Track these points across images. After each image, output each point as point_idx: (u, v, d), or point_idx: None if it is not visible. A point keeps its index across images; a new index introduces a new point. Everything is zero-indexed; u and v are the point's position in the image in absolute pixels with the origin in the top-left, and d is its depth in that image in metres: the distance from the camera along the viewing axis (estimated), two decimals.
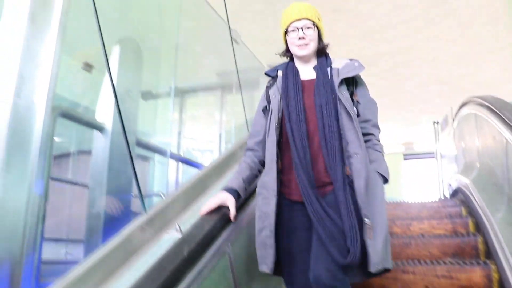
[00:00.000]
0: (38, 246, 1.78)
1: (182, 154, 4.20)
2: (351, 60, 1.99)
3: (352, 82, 1.95)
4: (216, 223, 1.75)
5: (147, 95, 3.86)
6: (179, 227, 1.73)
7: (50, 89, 1.68)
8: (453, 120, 5.58)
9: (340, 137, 1.79)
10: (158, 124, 4.58)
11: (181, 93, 4.28)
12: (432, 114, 11.06)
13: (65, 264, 3.91)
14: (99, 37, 1.85)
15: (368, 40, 8.16)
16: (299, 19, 1.90)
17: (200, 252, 1.66)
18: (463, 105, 4.62)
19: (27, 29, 1.62)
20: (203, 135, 6.04)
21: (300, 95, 1.88)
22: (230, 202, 1.85)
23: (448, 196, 6.09)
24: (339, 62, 1.97)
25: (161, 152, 3.88)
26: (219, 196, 1.86)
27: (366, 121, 1.95)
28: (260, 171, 2.01)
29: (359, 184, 1.74)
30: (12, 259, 1.56)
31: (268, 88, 2.06)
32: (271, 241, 1.79)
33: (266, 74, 2.11)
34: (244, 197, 1.99)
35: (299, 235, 1.82)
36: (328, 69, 1.93)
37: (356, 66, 1.94)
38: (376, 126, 2.00)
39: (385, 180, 1.90)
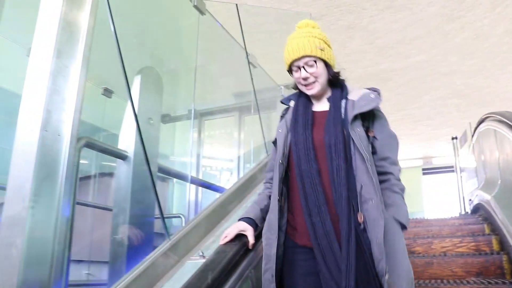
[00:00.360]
0: (66, 269, 1.82)
1: (201, 175, 4.24)
2: (368, 90, 1.78)
3: (368, 116, 1.72)
4: (239, 249, 1.77)
5: (166, 118, 3.93)
6: (202, 253, 1.75)
7: (75, 121, 1.75)
8: (472, 135, 5.52)
9: (349, 182, 1.58)
10: (177, 146, 4.65)
11: (200, 115, 4.34)
12: (451, 127, 10.97)
13: (88, 286, 3.95)
14: (121, 69, 1.90)
15: (383, 56, 8.17)
16: (299, 58, 1.72)
17: (224, 277, 1.68)
18: (481, 121, 4.59)
19: (53, 65, 1.69)
20: (222, 156, 6.09)
21: (309, 131, 1.70)
22: (249, 231, 1.78)
23: (469, 211, 6.00)
24: (356, 93, 1.77)
25: (182, 177, 3.92)
26: (237, 226, 1.79)
27: (384, 158, 1.73)
28: None
29: (375, 235, 1.52)
30: (41, 282, 1.60)
31: (281, 118, 1.91)
32: (272, 286, 1.65)
33: (282, 102, 1.98)
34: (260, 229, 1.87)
35: (307, 280, 1.65)
36: (343, 102, 1.73)
37: (373, 98, 1.71)
38: (396, 164, 1.76)
39: (403, 227, 1.65)
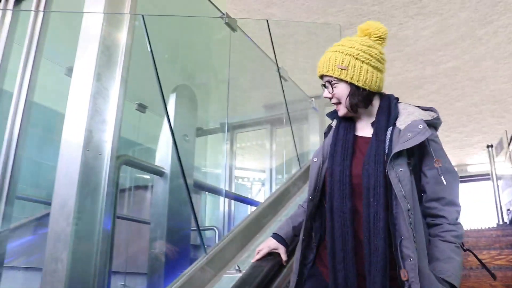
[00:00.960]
0: (107, 281, 1.89)
1: (234, 188, 4.30)
2: (422, 111, 1.50)
3: (415, 149, 1.42)
4: (274, 264, 1.79)
5: (199, 132, 4.01)
6: (239, 267, 1.79)
7: (114, 140, 1.82)
8: (509, 143, 5.39)
9: (388, 234, 1.33)
10: (209, 159, 4.73)
11: (232, 128, 4.42)
12: (486, 134, 10.70)
13: None
14: (158, 88, 1.98)
15: (413, 63, 8.09)
16: (320, 76, 1.54)
17: None
18: None
19: (94, 87, 1.78)
20: (254, 168, 6.14)
21: (348, 162, 1.45)
22: (281, 250, 1.65)
23: (507, 221, 5.83)
24: (405, 118, 1.47)
25: (216, 191, 3.99)
26: (268, 245, 1.66)
27: (436, 199, 1.44)
28: None
29: None
30: None
31: (325, 136, 1.68)
32: None
33: (327, 116, 1.72)
34: (292, 246, 1.75)
35: None
36: (389, 131, 1.45)
37: (420, 130, 1.40)
38: (452, 204, 1.44)
39: (452, 287, 1.35)
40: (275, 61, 3.50)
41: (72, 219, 1.66)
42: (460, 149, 12.40)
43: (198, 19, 3.07)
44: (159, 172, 2.30)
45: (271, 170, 4.71)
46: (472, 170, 13.86)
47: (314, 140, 4.75)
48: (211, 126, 4.46)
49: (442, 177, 1.42)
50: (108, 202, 1.81)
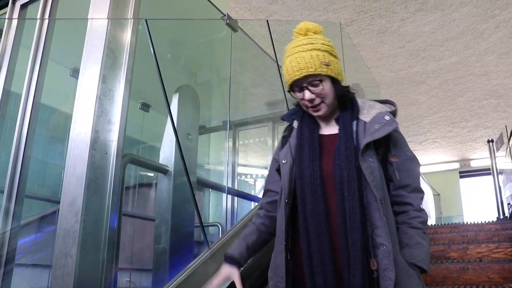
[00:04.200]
0: (114, 276, 1.95)
1: (236, 184, 4.37)
2: (382, 105, 1.55)
3: (382, 140, 1.46)
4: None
5: (201, 130, 4.07)
6: None
7: (120, 140, 1.89)
8: (509, 138, 5.43)
9: (363, 226, 1.35)
10: (212, 157, 4.79)
11: (234, 126, 4.48)
12: (488, 129, 10.73)
13: None
14: (162, 89, 2.04)
15: (415, 59, 8.12)
16: (300, 78, 1.44)
17: (261, 285, 1.78)
18: None
19: (100, 89, 1.85)
20: (256, 165, 6.22)
21: (317, 162, 1.44)
22: (235, 276, 1.53)
23: (508, 215, 5.88)
24: (368, 111, 1.51)
25: (219, 188, 4.06)
26: (222, 273, 1.55)
27: (402, 187, 1.48)
28: (273, 235, 1.58)
29: (385, 286, 1.30)
30: None
31: (283, 140, 1.63)
32: None
33: (282, 119, 1.69)
34: (245, 265, 1.65)
35: None
36: (354, 124, 1.48)
37: (388, 121, 1.45)
38: (417, 191, 1.50)
39: (422, 270, 1.42)
40: (275, 59, 3.56)
41: (80, 216, 1.73)
42: (462, 144, 12.44)
43: (200, 22, 3.14)
44: (163, 170, 2.37)
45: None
46: (474, 165, 13.89)
47: None
48: (214, 124, 4.53)
49: (407, 165, 1.49)
50: (114, 200, 1.87)
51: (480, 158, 13.39)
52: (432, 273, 3.01)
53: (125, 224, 4.10)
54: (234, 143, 4.46)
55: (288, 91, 1.54)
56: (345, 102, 1.53)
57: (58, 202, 3.36)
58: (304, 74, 1.42)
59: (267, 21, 3.73)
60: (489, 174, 7.28)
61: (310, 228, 1.38)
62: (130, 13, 2.06)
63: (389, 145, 1.49)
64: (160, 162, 2.43)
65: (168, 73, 2.50)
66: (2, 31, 2.71)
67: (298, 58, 1.44)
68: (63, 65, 3.76)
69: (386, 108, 1.52)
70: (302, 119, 1.57)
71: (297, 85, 1.47)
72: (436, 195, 12.79)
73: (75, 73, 3.73)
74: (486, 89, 9.21)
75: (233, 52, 3.20)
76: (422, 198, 1.51)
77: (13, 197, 2.23)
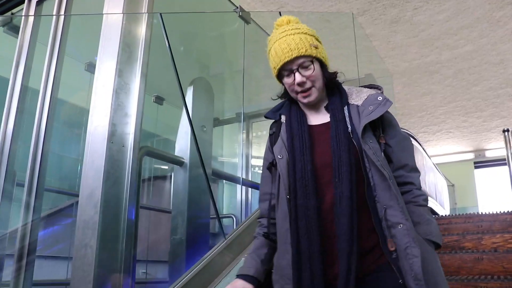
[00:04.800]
0: (133, 266, 1.99)
1: (250, 176, 4.40)
2: (370, 89, 1.51)
3: (377, 122, 1.42)
4: None
5: (215, 122, 4.10)
6: None
7: (136, 133, 1.92)
8: None
9: (375, 210, 1.31)
10: (226, 148, 4.82)
11: (248, 118, 4.50)
12: (504, 118, 10.59)
13: (146, 284, 4.17)
14: (176, 82, 2.06)
15: (429, 48, 8.03)
16: (291, 60, 1.38)
17: None
18: None
19: (116, 83, 1.88)
20: None
21: (308, 155, 1.37)
22: None
23: None
24: (357, 95, 1.47)
25: (233, 180, 4.09)
26: (235, 286, 1.40)
27: (402, 167, 1.44)
28: None
29: (410, 267, 1.24)
30: (113, 278, 1.79)
31: (271, 137, 1.54)
32: None
33: (266, 117, 1.60)
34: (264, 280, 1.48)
35: None
36: (345, 109, 1.43)
37: (381, 101, 1.41)
38: (415, 170, 1.48)
39: (437, 246, 1.39)
40: None
41: (99, 207, 1.77)
42: (477, 134, 12.30)
43: (213, 15, 3.15)
44: (178, 162, 2.40)
45: None
46: (490, 155, 13.73)
47: None
48: (227, 116, 4.56)
49: (403, 145, 1.46)
50: (132, 192, 1.91)
51: (495, 148, 13.23)
52: (446, 263, 3.01)
53: (140, 217, 4.15)
54: (247, 135, 4.48)
55: (276, 77, 1.47)
56: (333, 89, 1.49)
57: (75, 195, 3.43)
58: (295, 55, 1.37)
59: (280, 12, 3.72)
60: (505, 164, 7.19)
61: (300, 224, 1.31)
62: (144, 7, 2.08)
63: (383, 126, 1.45)
64: (175, 154, 2.46)
65: (181, 66, 2.52)
66: (19, 28, 2.76)
67: (288, 40, 1.39)
68: (78, 60, 3.81)
69: (373, 90, 1.49)
70: (290, 112, 1.49)
71: (287, 69, 1.40)
72: (451, 186, 12.68)
73: (90, 67, 3.79)
74: (502, 78, 9.07)
75: (246, 44, 3.21)
76: (419, 176, 1.50)
77: (33, 190, 2.28)
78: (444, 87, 9.42)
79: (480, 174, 14.14)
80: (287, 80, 1.41)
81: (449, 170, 12.36)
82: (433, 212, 5.03)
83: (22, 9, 2.81)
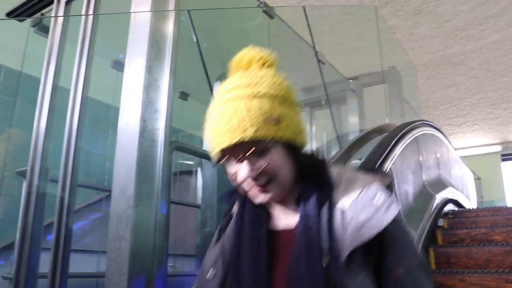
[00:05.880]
0: (165, 259, 2.04)
1: None
2: (366, 184, 0.93)
3: (374, 240, 0.86)
4: None
5: None
6: None
7: (167, 128, 1.96)
8: None
9: None
10: None
11: None
12: None
13: (174, 277, 4.25)
14: (205, 77, 2.10)
15: (453, 39, 7.90)
16: (231, 146, 0.86)
17: None
18: None
19: (146, 80, 1.92)
20: None
21: (263, 281, 0.88)
22: None
23: None
24: (345, 189, 0.93)
25: None
26: None
27: None
28: None
29: None
30: (147, 270, 1.83)
31: (219, 235, 1.03)
32: None
33: (222, 197, 1.13)
34: None
35: None
36: (325, 210, 0.90)
37: (379, 207, 0.87)
38: None
39: None
40: (312, 45, 3.57)
41: (132, 202, 1.81)
42: (504, 126, 12.04)
43: (238, 10, 3.17)
44: (207, 157, 2.45)
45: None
46: None
47: (353, 121, 4.78)
48: None
49: (413, 278, 0.90)
50: (163, 186, 1.95)
51: None
52: (474, 256, 2.98)
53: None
54: None
55: (215, 164, 1.00)
56: (310, 176, 0.96)
57: (105, 190, 3.50)
58: (236, 140, 0.85)
59: (304, 7, 3.73)
60: None
61: None
62: (171, 5, 2.11)
63: (383, 246, 0.89)
64: (204, 148, 2.50)
65: (207, 61, 2.55)
66: (49, 28, 2.83)
67: (228, 113, 0.87)
68: (104, 57, 3.89)
69: (373, 181, 0.94)
70: (244, 201, 1.00)
71: (228, 157, 0.90)
72: (477, 179, 12.47)
73: (116, 65, 3.86)
74: None
75: (269, 39, 3.23)
76: None
77: (66, 186, 2.35)
78: (469, 79, 9.25)
79: (508, 166, 13.84)
80: (229, 170, 0.92)
81: (475, 163, 12.14)
82: (459, 205, 4.98)
83: (52, 9, 2.88)
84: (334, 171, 0.98)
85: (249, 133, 0.84)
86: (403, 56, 7.75)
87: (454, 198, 4.73)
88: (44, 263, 2.39)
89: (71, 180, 2.33)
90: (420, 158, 4.00)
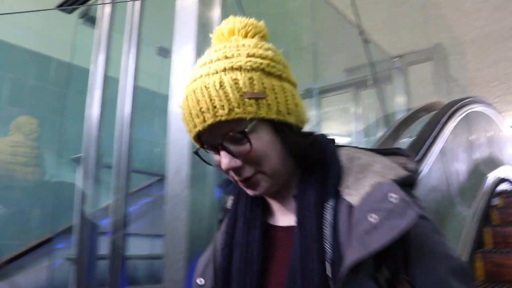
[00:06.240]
0: None
1: None
2: (382, 175, 0.75)
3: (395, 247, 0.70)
4: None
5: None
6: None
7: None
8: None
9: None
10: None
11: (317, 94, 4.48)
12: None
13: None
14: None
15: (502, 13, 7.53)
16: (205, 129, 0.76)
17: None
18: None
19: (195, 62, 1.93)
20: (339, 133, 6.19)
21: (254, 282, 0.78)
22: None
23: None
24: (355, 181, 0.76)
25: None
26: None
27: None
28: None
29: None
30: (203, 251, 1.88)
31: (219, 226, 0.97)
32: None
33: (221, 189, 1.01)
34: None
35: None
36: (329, 208, 0.75)
37: (395, 206, 0.69)
38: None
39: None
40: (356, 24, 3.50)
41: (186, 183, 1.85)
42: None
43: None
44: None
45: (357, 133, 4.72)
46: None
47: (399, 100, 4.67)
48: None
49: None
50: (216, 170, 1.98)
51: None
52: None
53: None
54: (317, 111, 4.47)
55: (195, 152, 0.84)
56: (310, 162, 0.81)
57: (158, 175, 3.59)
58: (209, 122, 0.73)
59: None
60: None
61: None
62: None
63: (407, 253, 0.73)
64: None
65: None
66: (96, 19, 2.91)
67: (199, 91, 0.74)
68: (149, 44, 3.96)
69: (392, 169, 0.77)
70: (239, 194, 0.88)
71: (205, 142, 0.79)
72: None
73: (161, 51, 3.92)
74: None
75: (312, 19, 3.20)
76: None
77: (121, 172, 2.43)
78: None
79: None
80: (214, 157, 0.81)
81: None
82: None
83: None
84: (343, 154, 0.81)
85: (222, 113, 0.72)
86: (449, 33, 7.47)
87: (507, 178, 4.57)
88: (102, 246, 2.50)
89: (126, 166, 2.41)
90: (471, 137, 3.88)
